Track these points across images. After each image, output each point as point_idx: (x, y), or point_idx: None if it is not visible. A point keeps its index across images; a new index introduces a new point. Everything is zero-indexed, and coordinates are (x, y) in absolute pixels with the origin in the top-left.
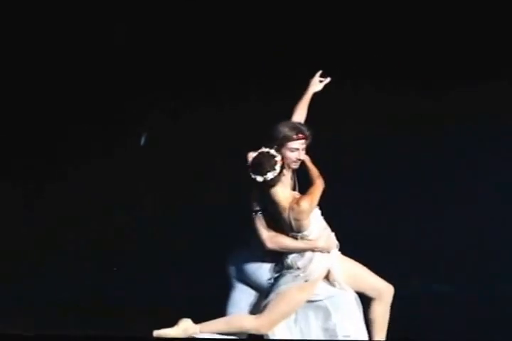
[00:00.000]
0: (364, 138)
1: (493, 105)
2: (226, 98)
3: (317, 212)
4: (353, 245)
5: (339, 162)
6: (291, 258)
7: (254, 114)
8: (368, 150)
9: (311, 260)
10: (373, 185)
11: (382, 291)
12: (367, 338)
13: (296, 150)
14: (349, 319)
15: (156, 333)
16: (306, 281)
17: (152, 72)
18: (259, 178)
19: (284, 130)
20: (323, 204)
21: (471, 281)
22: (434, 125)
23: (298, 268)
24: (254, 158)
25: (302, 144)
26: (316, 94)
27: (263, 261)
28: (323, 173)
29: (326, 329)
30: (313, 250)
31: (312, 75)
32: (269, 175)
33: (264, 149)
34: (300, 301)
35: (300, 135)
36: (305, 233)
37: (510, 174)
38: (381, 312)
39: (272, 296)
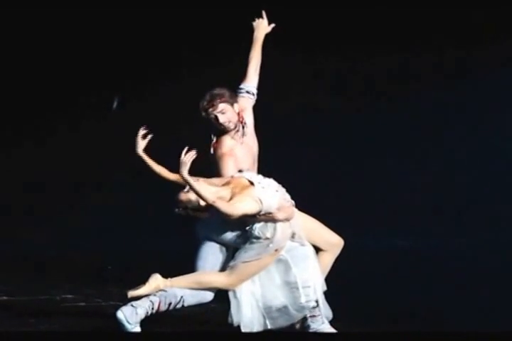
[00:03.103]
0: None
1: None
2: None
3: (268, 190)
4: (307, 200)
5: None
6: (257, 229)
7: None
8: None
9: (275, 229)
10: (326, 142)
11: (334, 245)
12: (325, 287)
13: (214, 117)
14: (308, 271)
15: (130, 293)
16: (276, 250)
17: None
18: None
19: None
20: (274, 166)
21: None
22: None
23: (267, 238)
24: None
25: (218, 111)
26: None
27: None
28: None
29: (287, 282)
30: (275, 221)
31: None
32: (191, 212)
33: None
34: (269, 263)
35: (207, 104)
36: (261, 213)
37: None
38: (327, 262)
39: (241, 262)
